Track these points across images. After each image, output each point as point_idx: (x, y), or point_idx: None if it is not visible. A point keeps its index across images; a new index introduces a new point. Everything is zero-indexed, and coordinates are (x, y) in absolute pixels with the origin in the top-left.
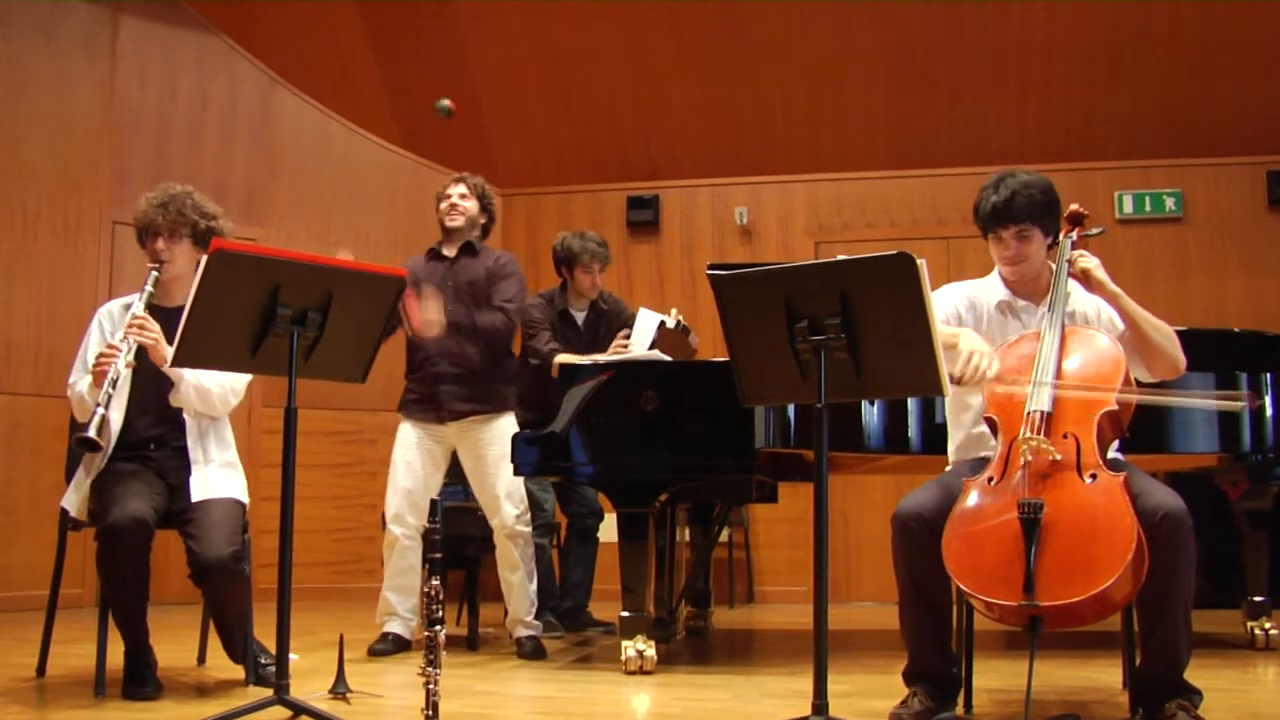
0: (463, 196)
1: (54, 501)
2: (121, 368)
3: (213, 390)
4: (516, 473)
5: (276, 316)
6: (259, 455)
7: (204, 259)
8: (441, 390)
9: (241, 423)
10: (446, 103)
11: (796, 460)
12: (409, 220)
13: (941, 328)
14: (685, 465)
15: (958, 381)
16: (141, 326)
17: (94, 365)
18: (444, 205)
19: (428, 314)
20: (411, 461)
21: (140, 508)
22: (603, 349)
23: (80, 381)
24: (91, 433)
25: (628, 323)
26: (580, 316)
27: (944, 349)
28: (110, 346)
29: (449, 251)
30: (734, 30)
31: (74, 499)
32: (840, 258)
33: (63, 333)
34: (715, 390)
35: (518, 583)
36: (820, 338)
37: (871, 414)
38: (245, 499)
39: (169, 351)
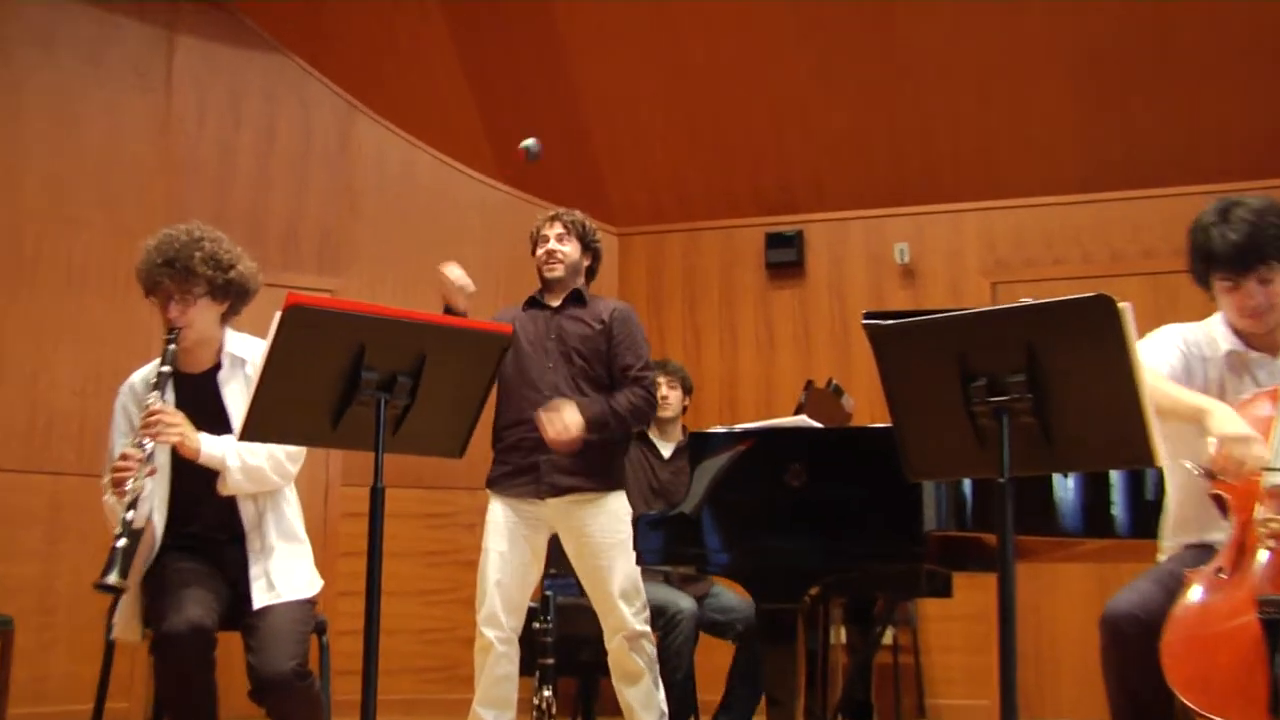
0: (560, 238)
1: (99, 601)
2: (143, 479)
3: (264, 465)
4: (640, 561)
5: (361, 382)
6: (337, 542)
7: (277, 316)
8: (542, 461)
9: (317, 504)
10: (532, 142)
11: (975, 546)
12: (509, 265)
13: (1170, 388)
14: (840, 551)
15: (1210, 475)
16: (159, 422)
17: (112, 474)
18: (540, 252)
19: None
20: (504, 550)
21: (199, 613)
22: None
23: (110, 489)
24: (111, 579)
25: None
26: (665, 449)
27: (1176, 416)
28: (124, 457)
29: (552, 301)
30: (888, 37)
31: (122, 617)
32: (1024, 302)
33: (112, 403)
34: (875, 462)
35: (641, 696)
36: (1002, 399)
37: (1066, 489)
38: (314, 591)
39: (201, 442)
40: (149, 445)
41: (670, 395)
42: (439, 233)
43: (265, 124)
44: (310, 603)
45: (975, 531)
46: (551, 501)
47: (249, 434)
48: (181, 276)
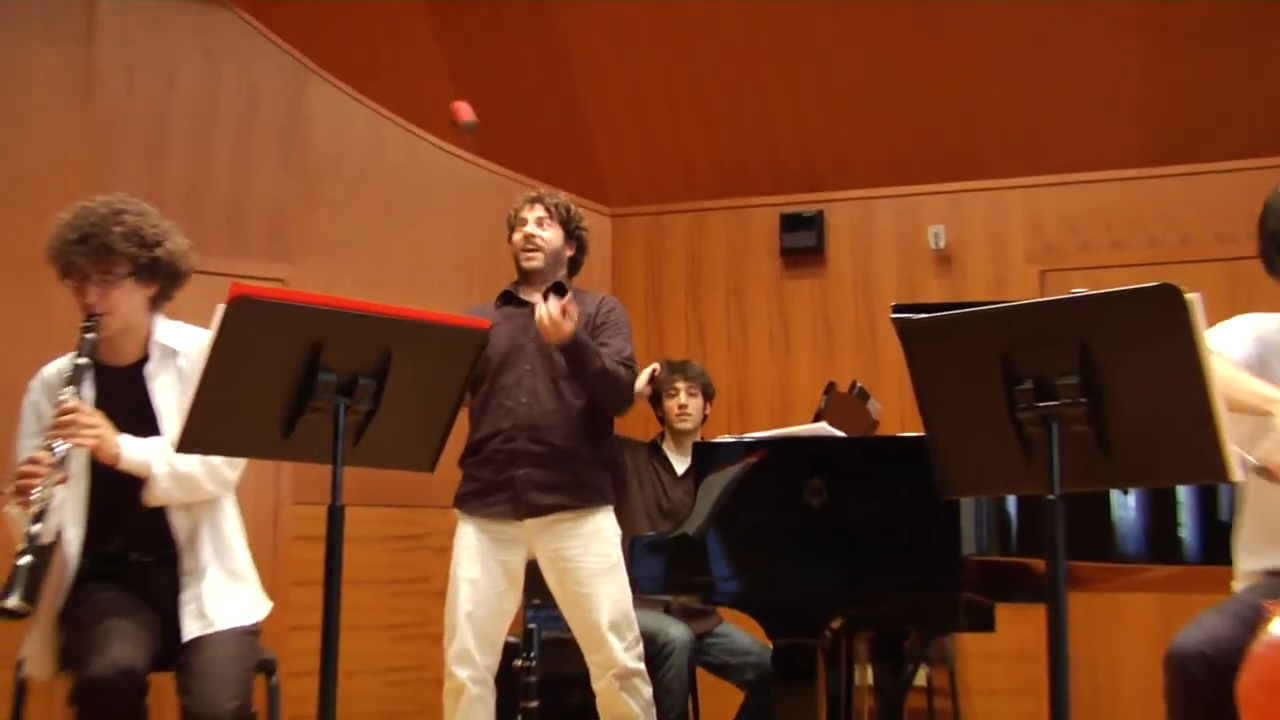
0: (540, 222)
1: (7, 633)
2: (53, 487)
3: (197, 471)
4: (636, 590)
5: (317, 385)
6: (288, 568)
7: (220, 310)
8: (518, 476)
9: (265, 525)
10: (464, 117)
11: (1021, 572)
12: (490, 253)
13: (1238, 375)
14: (865, 580)
15: (1268, 475)
16: (73, 422)
17: (16, 481)
18: (517, 236)
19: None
20: (476, 578)
21: (127, 653)
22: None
23: (12, 498)
24: (12, 602)
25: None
26: (680, 465)
27: (1241, 407)
28: (31, 461)
29: (530, 296)
30: None
31: (34, 649)
32: (1077, 292)
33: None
34: (905, 477)
35: None
36: (1051, 404)
37: (1126, 508)
38: (257, 618)
39: (123, 446)
40: (61, 448)
41: (690, 404)
42: (407, 214)
43: (205, 87)
44: (252, 632)
45: (1021, 556)
46: (530, 522)
47: (187, 444)
48: (99, 255)
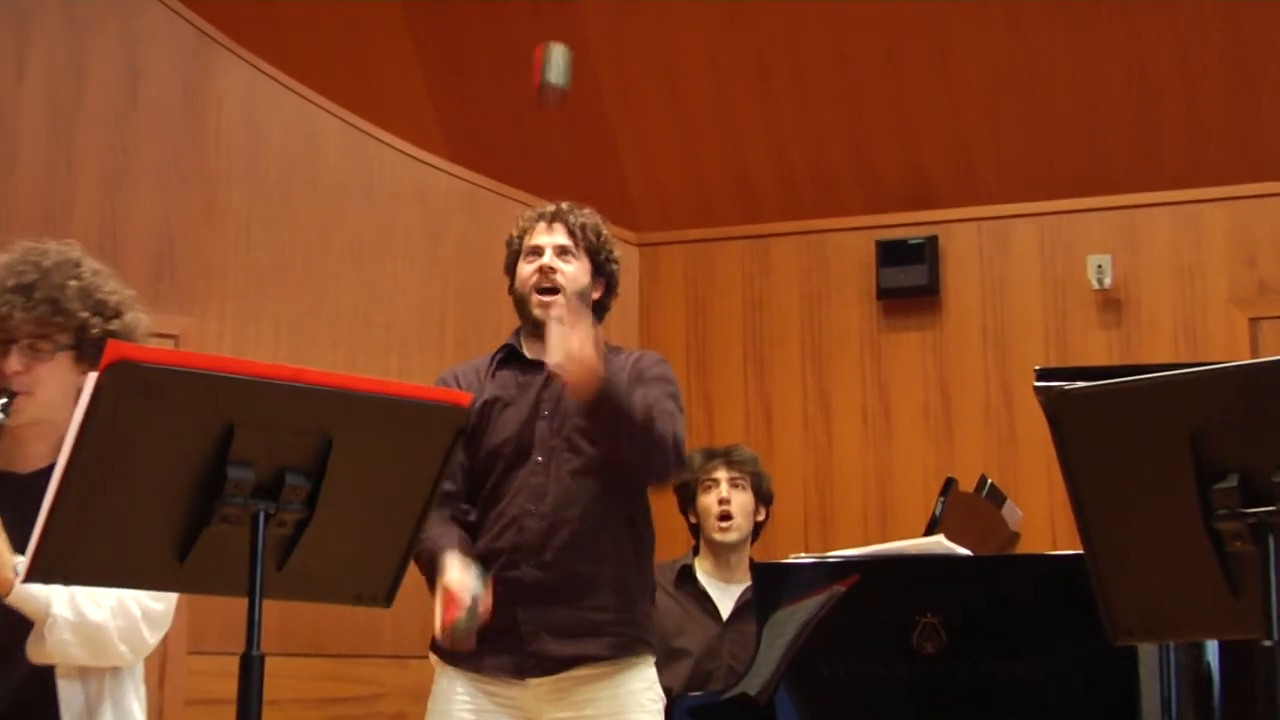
0: (562, 251)
1: None
2: None
3: (108, 622)
4: None
5: (227, 485)
6: None
7: (90, 380)
8: (522, 618)
9: (148, 683)
10: (557, 69)
11: None
12: (470, 293)
13: None
14: None
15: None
16: None
17: None
18: (528, 271)
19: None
20: None
21: None
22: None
23: None
24: None
25: None
26: (725, 601)
27: None
28: None
29: (540, 355)
30: None
31: None
32: None
33: None
34: (1056, 612)
35: None
36: (1265, 510)
37: None
38: None
39: (16, 571)
40: None
41: (734, 501)
42: (353, 239)
43: (67, 67)
44: None
45: None
46: (537, 682)
47: (41, 570)
48: (41, 313)
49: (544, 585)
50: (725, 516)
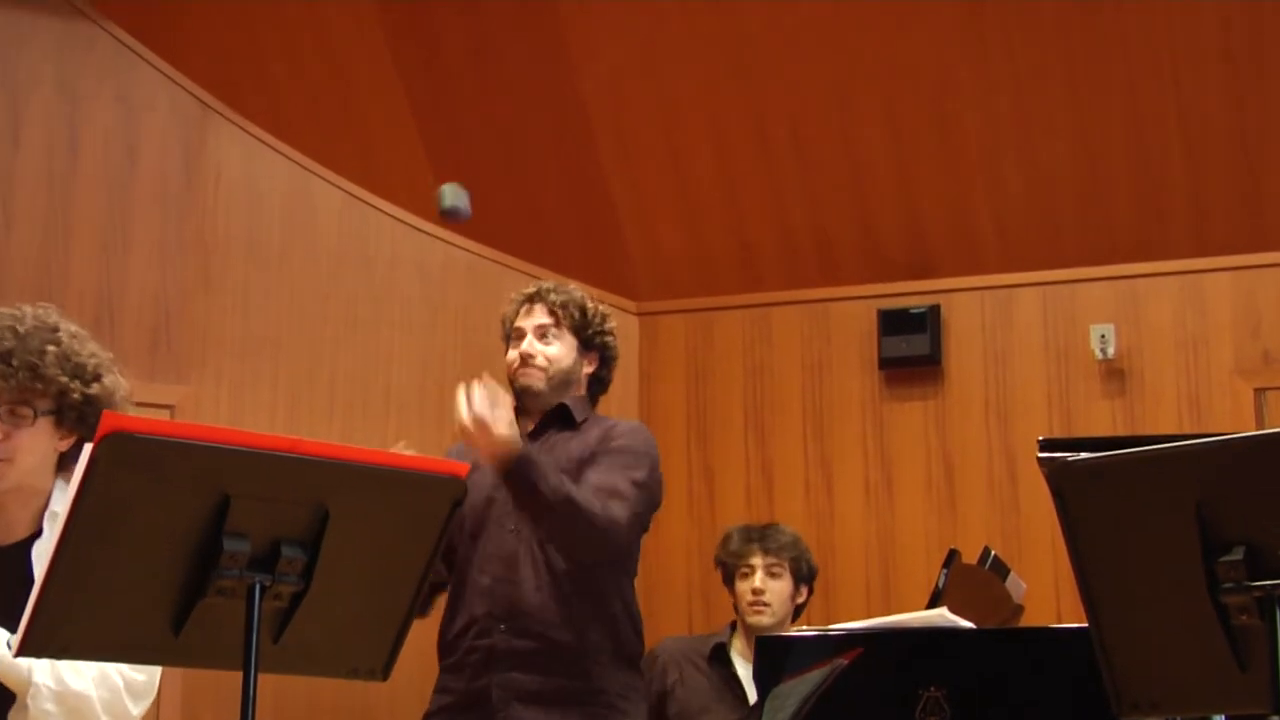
0: (542, 332)
1: None
2: None
3: (91, 693)
4: None
5: (222, 557)
6: None
7: (88, 450)
8: (495, 684)
9: None
10: (451, 199)
11: None
12: (468, 359)
13: None
14: None
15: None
16: None
17: None
18: (511, 355)
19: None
20: None
21: None
22: None
23: None
24: None
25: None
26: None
27: None
28: None
29: (523, 426)
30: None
31: None
32: None
33: None
34: (1061, 687)
35: None
36: (1272, 583)
37: None
38: None
39: (3, 641)
40: None
41: (770, 589)
42: (352, 310)
43: (60, 130)
44: None
45: None
46: None
47: (31, 645)
48: (20, 380)
49: (516, 652)
50: (760, 602)
